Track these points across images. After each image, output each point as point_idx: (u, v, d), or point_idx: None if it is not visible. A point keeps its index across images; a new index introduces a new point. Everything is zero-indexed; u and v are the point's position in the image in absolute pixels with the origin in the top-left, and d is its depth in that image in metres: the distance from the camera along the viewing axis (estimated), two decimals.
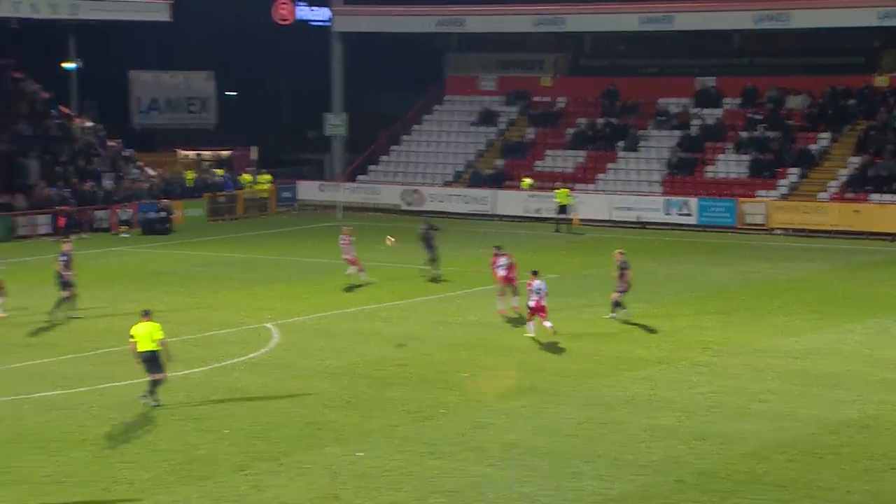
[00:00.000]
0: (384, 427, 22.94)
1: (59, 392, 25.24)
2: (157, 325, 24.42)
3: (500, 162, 62.23)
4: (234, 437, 22.22)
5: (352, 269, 38.66)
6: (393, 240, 40.02)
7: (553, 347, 29.54)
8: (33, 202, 53.35)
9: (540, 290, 30.43)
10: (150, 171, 61.35)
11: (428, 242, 39.93)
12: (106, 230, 54.05)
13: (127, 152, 61.93)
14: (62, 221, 52.06)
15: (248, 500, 19.11)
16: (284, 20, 66.88)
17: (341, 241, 39.17)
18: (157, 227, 53.87)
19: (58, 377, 26.56)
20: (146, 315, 24.57)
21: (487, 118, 65.12)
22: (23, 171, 55.04)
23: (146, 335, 24.20)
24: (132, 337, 24.28)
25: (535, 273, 30.88)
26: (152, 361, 24.20)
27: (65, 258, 33.46)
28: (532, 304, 30.43)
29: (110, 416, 23.49)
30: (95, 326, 32.36)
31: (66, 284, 33.14)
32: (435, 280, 39.17)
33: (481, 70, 67.24)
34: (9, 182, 53.79)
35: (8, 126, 57.34)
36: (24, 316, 33.60)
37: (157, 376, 24.19)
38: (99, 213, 54.63)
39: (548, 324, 29.98)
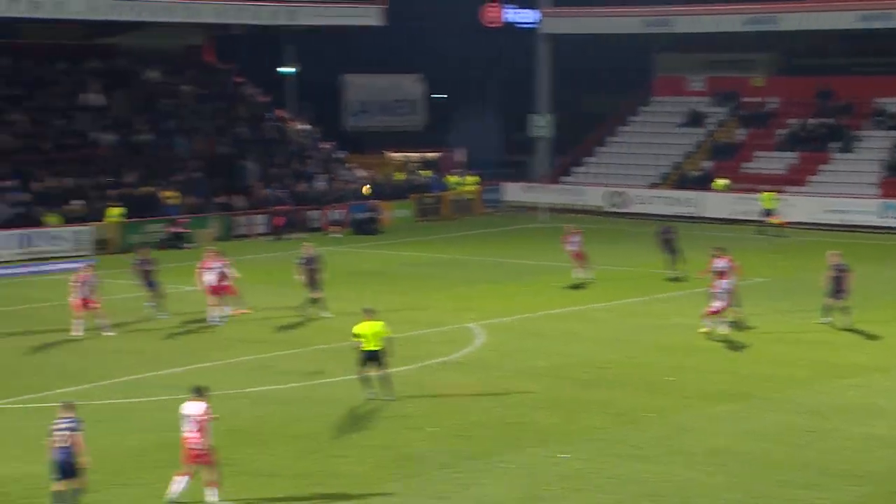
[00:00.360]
0: (588, 429, 22.84)
1: (273, 387, 25.98)
2: (383, 323, 24.87)
3: (707, 163, 61.21)
4: (439, 436, 22.47)
5: (579, 270, 38.79)
6: (368, 188, 39.98)
7: (761, 352, 28.89)
8: (251, 202, 55.08)
9: (726, 290, 30.23)
10: (361, 173, 62.57)
11: (668, 244, 39.94)
12: (318, 230, 55.37)
13: (339, 154, 63.35)
14: (279, 221, 53.61)
15: (454, 498, 19.31)
16: (493, 23, 67.27)
17: (567, 240, 39.33)
18: (367, 228, 54.93)
19: (273, 373, 27.35)
20: (369, 313, 24.99)
21: (695, 119, 64.15)
22: (242, 172, 56.90)
23: (373, 334, 24.61)
24: (357, 336, 24.73)
25: (720, 269, 30.94)
26: (375, 360, 24.61)
27: (304, 260, 33.93)
28: (718, 305, 30.09)
29: (322, 411, 24.04)
30: (310, 322, 33.17)
31: (310, 285, 33.54)
32: (677, 280, 38.77)
33: (689, 71, 66.26)
34: (229, 183, 55.66)
35: (229, 129, 59.36)
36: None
37: (383, 371, 24.63)
38: (312, 214, 56.03)
39: (709, 324, 29.83)
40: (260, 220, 54.09)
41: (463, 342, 30.67)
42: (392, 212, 58.15)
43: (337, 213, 55.73)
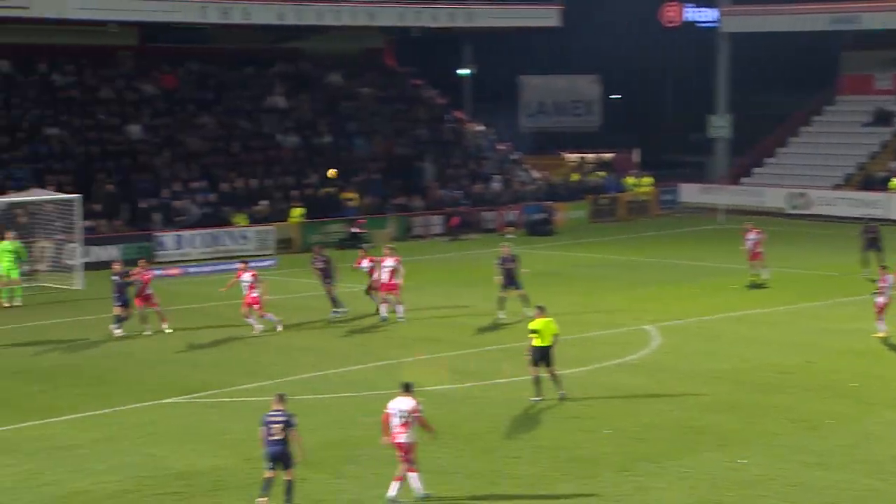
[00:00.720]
0: (767, 434, 22.28)
1: (448, 386, 26.09)
2: (552, 320, 24.82)
3: (894, 164, 59.17)
4: (614, 438, 22.22)
5: (756, 268, 38.08)
6: (334, 172, 39.05)
7: None
8: (428, 203, 55.52)
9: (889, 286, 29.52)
10: (535, 174, 62.48)
11: (873, 243, 39.06)
12: (493, 231, 55.49)
13: (515, 155, 63.38)
14: (454, 222, 53.91)
15: (630, 500, 19.04)
16: (672, 22, 66.39)
17: (746, 237, 38.62)
18: (540, 229, 54.80)
19: (448, 372, 27.47)
20: (541, 311, 24.97)
21: (882, 118, 62.11)
22: (419, 173, 57.43)
23: (547, 331, 24.58)
24: (533, 331, 24.70)
25: (884, 268, 29.90)
26: (546, 357, 24.55)
27: (501, 260, 33.66)
28: (881, 300, 29.34)
29: (497, 411, 24.02)
30: (482, 323, 33.25)
31: (508, 285, 33.34)
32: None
33: (877, 68, 64.16)
34: (406, 184, 56.23)
35: (407, 131, 59.98)
36: (411, 310, 34.99)
37: (552, 369, 24.57)
38: (487, 215, 56.18)
39: (882, 327, 29.27)
40: (436, 221, 54.47)
41: (638, 344, 30.29)
42: (566, 213, 57.88)
43: (511, 214, 55.75)
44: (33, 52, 51.62)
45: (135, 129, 51.29)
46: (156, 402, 24.68)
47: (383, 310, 33.52)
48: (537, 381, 24.68)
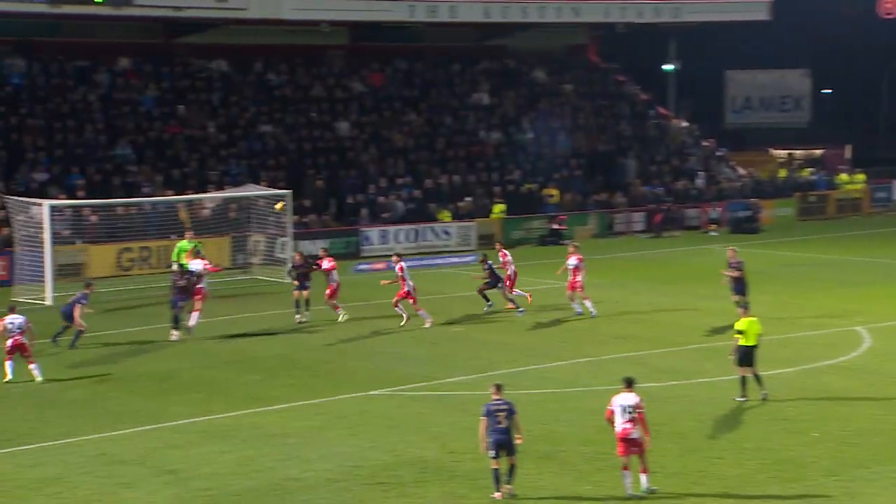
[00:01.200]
0: None
1: (653, 384, 25.90)
2: (757, 320, 24.41)
3: None
4: (823, 441, 21.69)
5: None
6: (281, 204, 37.04)
7: None
8: (630, 200, 55.12)
9: None
10: (741, 170, 61.31)
11: None
12: (696, 228, 54.73)
13: (720, 152, 62.33)
14: (658, 218, 53.38)
15: None
16: (890, 14, 64.12)
17: None
18: (746, 226, 53.76)
19: (650, 370, 27.27)
20: (745, 310, 24.60)
21: None
22: (622, 170, 57.06)
23: (751, 331, 24.24)
24: (739, 332, 24.35)
25: None
26: (751, 357, 24.22)
27: (734, 263, 32.59)
28: None
29: (700, 410, 23.75)
30: (685, 321, 32.87)
31: (736, 293, 32.31)
32: None
33: None
34: (608, 181, 55.95)
35: (610, 127, 59.66)
36: (612, 307, 34.84)
37: (756, 371, 24.28)
38: (690, 212, 55.42)
39: None
40: (638, 218, 54.04)
41: (848, 345, 29.47)
42: (773, 210, 56.64)
43: (715, 212, 54.85)
44: (249, 52, 53.39)
45: (343, 127, 52.50)
46: (363, 393, 25.26)
47: (589, 305, 33.48)
48: (744, 382, 24.30)
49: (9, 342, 26.21)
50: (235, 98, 51.54)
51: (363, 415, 23.58)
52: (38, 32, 48.87)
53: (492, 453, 18.78)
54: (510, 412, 18.80)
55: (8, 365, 26.29)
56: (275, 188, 43.89)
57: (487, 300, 34.50)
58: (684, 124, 63.25)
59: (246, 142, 49.51)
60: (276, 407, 24.20)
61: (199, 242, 36.42)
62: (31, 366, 26.26)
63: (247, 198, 42.23)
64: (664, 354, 28.82)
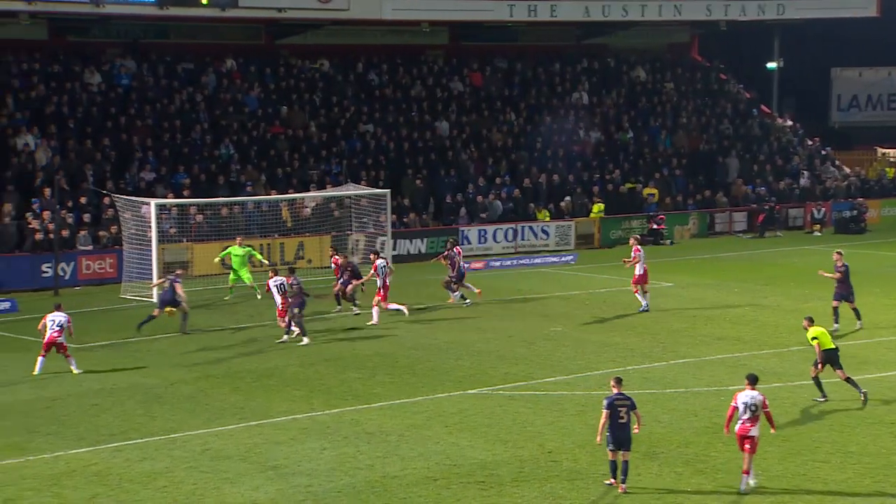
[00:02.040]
0: None
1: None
2: (823, 329, 24.58)
3: None
4: None
5: None
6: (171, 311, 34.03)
7: None
8: (731, 199, 54.54)
9: None
10: (847, 169, 60.32)
11: None
12: (800, 228, 54.00)
13: (825, 151, 61.39)
14: (760, 218, 52.78)
15: None
16: None
17: None
18: (851, 227, 52.91)
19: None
20: (810, 321, 24.61)
21: None
22: (723, 169, 56.50)
23: (825, 337, 24.25)
24: (815, 339, 24.15)
25: None
26: (836, 358, 24.10)
27: (841, 267, 31.85)
28: None
29: (801, 413, 23.46)
30: (786, 322, 32.47)
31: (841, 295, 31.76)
32: None
33: None
34: (709, 180, 55.43)
35: (712, 126, 59.10)
36: (712, 308, 34.56)
37: (840, 374, 24.11)
38: (793, 211, 54.69)
39: None
40: (739, 217, 53.47)
41: None
42: (880, 210, 55.65)
43: (820, 211, 54.04)
44: (350, 53, 53.89)
45: (443, 126, 52.73)
46: (461, 392, 25.40)
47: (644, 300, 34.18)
48: (818, 382, 24.28)
49: (46, 338, 26.91)
50: (336, 98, 52.06)
51: (461, 413, 23.72)
52: (146, 35, 49.93)
53: (611, 447, 19.08)
54: (632, 406, 19.10)
55: (39, 361, 27.07)
56: (375, 187, 44.31)
57: (453, 291, 34.73)
58: (788, 123, 62.42)
59: (346, 141, 49.99)
60: (375, 405, 24.44)
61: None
62: (69, 359, 27.10)
63: (347, 197, 42.66)
64: (765, 356, 28.54)
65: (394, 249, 42.92)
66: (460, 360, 28.43)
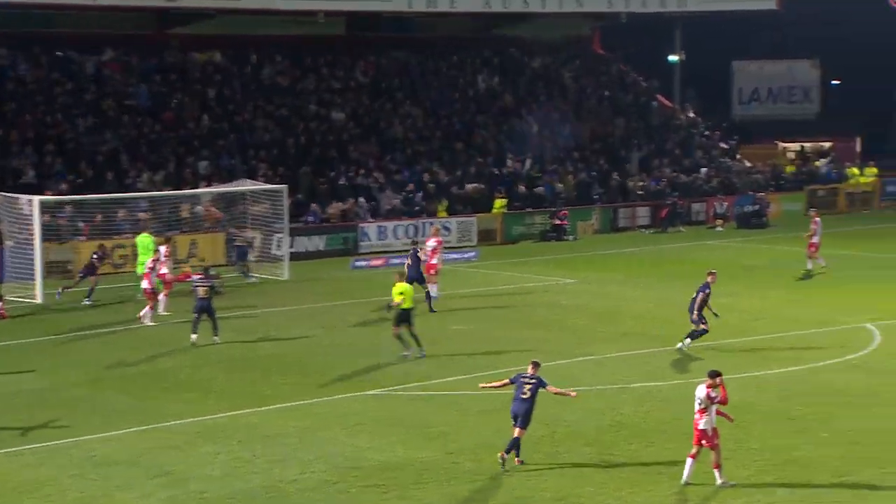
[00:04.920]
0: None
1: (656, 383, 26.00)
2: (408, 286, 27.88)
3: None
4: (832, 441, 21.76)
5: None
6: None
7: None
8: (634, 194, 55.05)
9: None
10: (748, 164, 61.36)
11: None
12: (702, 223, 54.80)
13: (726, 144, 62.37)
14: (663, 213, 53.43)
15: None
16: None
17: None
18: (753, 221, 53.82)
19: (654, 368, 27.36)
20: (401, 276, 28.56)
21: None
22: (625, 163, 57.04)
23: (408, 293, 27.88)
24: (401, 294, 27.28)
25: None
26: (408, 318, 28.08)
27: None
28: None
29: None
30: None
31: None
32: None
33: None
34: (612, 174, 55.84)
35: (614, 119, 59.59)
36: (616, 304, 34.93)
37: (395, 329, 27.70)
38: (696, 206, 55.48)
39: None
40: (642, 213, 54.10)
41: (858, 343, 29.55)
42: (781, 205, 56.69)
43: (722, 206, 54.88)
44: (245, 43, 53.40)
45: (340, 119, 52.53)
46: (360, 393, 25.32)
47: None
48: (399, 338, 27.79)
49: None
50: (229, 91, 51.57)
51: (361, 415, 23.65)
52: (29, 23, 48.82)
53: (514, 422, 20.21)
54: (539, 385, 20.33)
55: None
56: (270, 183, 43.99)
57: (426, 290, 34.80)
58: (690, 116, 63.30)
59: (240, 135, 49.55)
60: (272, 407, 24.27)
61: (168, 239, 36.50)
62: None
63: (242, 193, 42.28)
64: (669, 353, 28.88)
65: (291, 247, 42.65)
66: (359, 360, 28.34)
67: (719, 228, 53.59)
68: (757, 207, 54.56)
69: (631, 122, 60.15)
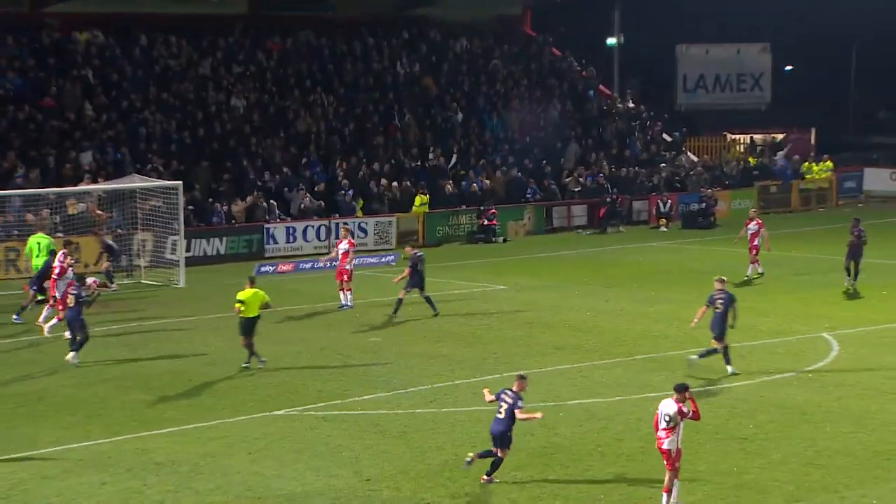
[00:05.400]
0: None
1: (595, 400, 26.10)
2: (259, 291, 28.24)
3: None
4: (785, 463, 21.99)
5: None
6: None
7: None
8: (570, 191, 55.34)
9: None
10: (693, 157, 61.96)
11: None
12: (644, 223, 55.21)
13: (670, 136, 62.92)
14: (601, 212, 53.74)
15: None
16: None
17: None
18: (699, 221, 54.33)
19: (594, 384, 27.48)
20: (251, 282, 28.75)
21: None
22: (559, 156, 57.33)
23: (254, 301, 28.28)
24: (240, 302, 28.10)
25: None
26: (251, 329, 28.60)
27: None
28: None
29: (648, 429, 23.88)
30: (631, 328, 33.15)
31: None
32: None
33: None
34: (545, 169, 56.09)
35: (546, 108, 59.83)
36: (549, 314, 35.08)
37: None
38: (637, 204, 55.88)
39: None
40: (578, 212, 54.38)
41: (813, 354, 29.94)
42: (730, 202, 57.31)
43: (665, 204, 55.34)
44: (131, 22, 52.90)
45: (242, 108, 52.18)
46: (266, 413, 25.16)
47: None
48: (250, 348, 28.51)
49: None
50: (116, 75, 51.02)
51: (267, 438, 23.49)
52: None
53: (492, 442, 20.74)
54: (514, 405, 20.56)
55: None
56: (163, 178, 43.58)
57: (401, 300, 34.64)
58: (630, 105, 63.79)
59: (129, 125, 49.03)
60: (165, 430, 24.01)
61: (70, 240, 36.10)
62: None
63: (132, 190, 41.86)
64: (607, 366, 29.03)
65: (188, 251, 42.31)
66: (265, 377, 28.16)
67: (663, 229, 54.04)
68: (704, 205, 55.07)
69: (566, 111, 60.45)
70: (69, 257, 33.34)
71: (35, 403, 26.13)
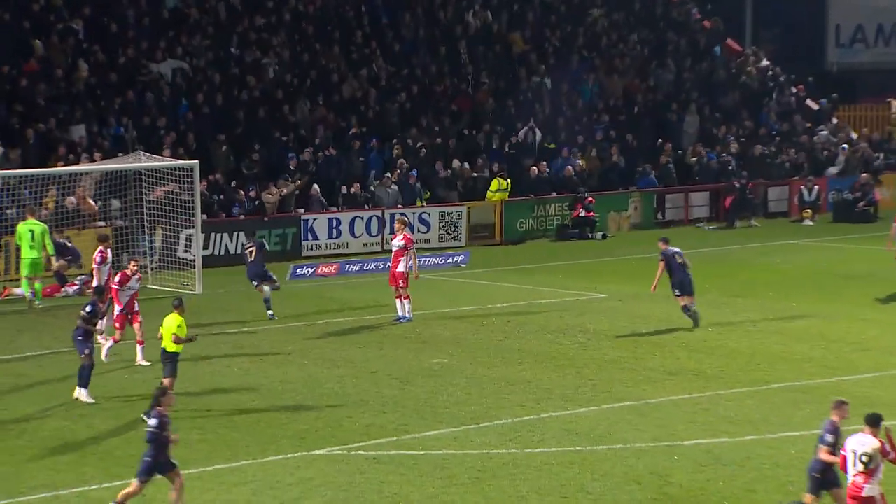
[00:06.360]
0: None
1: (719, 440, 26.14)
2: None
3: None
4: None
5: None
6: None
7: None
8: (688, 174, 55.24)
9: None
10: (851, 132, 61.64)
11: None
12: (784, 214, 55.06)
13: (818, 104, 62.61)
14: (728, 202, 53.57)
15: None
16: None
17: None
18: (855, 212, 54.09)
19: (717, 419, 27.52)
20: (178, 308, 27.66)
21: None
22: (674, 130, 57.27)
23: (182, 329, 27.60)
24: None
25: None
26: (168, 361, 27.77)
27: None
28: None
29: (786, 478, 23.94)
30: (765, 349, 33.13)
31: None
32: None
33: None
34: (655, 144, 56.01)
35: (657, 68, 59.82)
36: (658, 330, 35.18)
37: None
38: (774, 191, 55.70)
39: None
40: (699, 200, 54.32)
41: None
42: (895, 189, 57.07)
43: (811, 191, 55.11)
44: None
45: (276, 69, 52.52)
46: (303, 453, 25.40)
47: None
48: None
49: None
50: (117, 26, 51.51)
51: (303, 484, 23.71)
52: None
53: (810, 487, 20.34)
54: (820, 439, 20.03)
55: None
56: (176, 157, 44.01)
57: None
58: (766, 64, 63.59)
59: (133, 90, 49.47)
60: (183, 472, 24.31)
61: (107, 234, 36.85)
62: None
63: (137, 171, 42.32)
64: (736, 397, 29.05)
65: (206, 248, 42.74)
66: (302, 408, 28.43)
67: (808, 222, 53.90)
68: (860, 193, 54.82)
69: (684, 73, 60.40)
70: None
71: (15, 439, 26.51)
